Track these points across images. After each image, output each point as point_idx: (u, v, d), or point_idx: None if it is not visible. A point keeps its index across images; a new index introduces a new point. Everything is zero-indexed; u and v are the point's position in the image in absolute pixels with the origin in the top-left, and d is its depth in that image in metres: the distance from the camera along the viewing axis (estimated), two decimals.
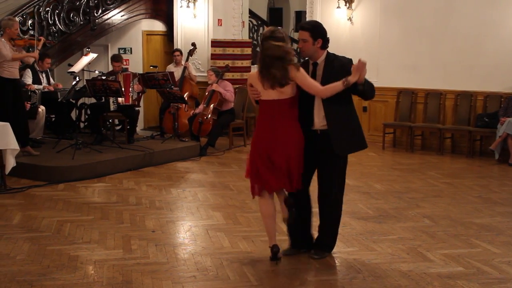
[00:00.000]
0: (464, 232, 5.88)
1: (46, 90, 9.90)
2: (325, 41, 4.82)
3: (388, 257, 5.13)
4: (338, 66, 4.76)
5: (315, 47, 4.79)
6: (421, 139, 10.96)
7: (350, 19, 11.55)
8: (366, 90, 4.69)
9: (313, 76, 4.80)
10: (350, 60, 4.80)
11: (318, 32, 4.79)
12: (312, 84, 4.67)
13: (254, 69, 13.28)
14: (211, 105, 10.30)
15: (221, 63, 11.83)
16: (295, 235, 5.14)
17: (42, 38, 8.84)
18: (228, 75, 11.06)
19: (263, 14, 16.21)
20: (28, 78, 9.77)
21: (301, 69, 4.67)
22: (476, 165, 9.55)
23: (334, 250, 5.24)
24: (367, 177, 8.44)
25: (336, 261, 5.03)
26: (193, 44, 11.73)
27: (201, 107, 10.42)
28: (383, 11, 11.26)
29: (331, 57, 4.85)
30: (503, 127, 9.49)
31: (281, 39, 4.67)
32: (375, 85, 4.91)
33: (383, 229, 5.96)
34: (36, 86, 9.81)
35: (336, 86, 4.60)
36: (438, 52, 10.76)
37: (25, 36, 9.54)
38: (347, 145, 4.87)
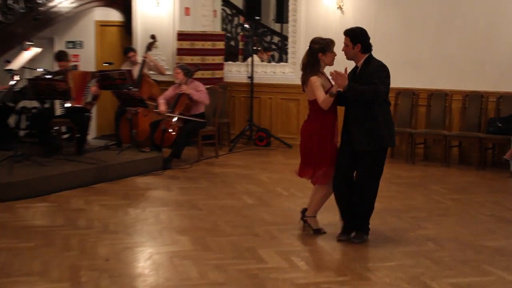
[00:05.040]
0: (474, 257, 5.90)
1: None
2: (365, 46, 6.12)
3: None
4: (367, 73, 6.07)
5: (355, 51, 6.13)
6: (423, 148, 11.03)
7: (340, 7, 11.60)
8: (354, 97, 6.04)
9: (353, 79, 6.11)
10: (378, 66, 6.10)
11: (357, 37, 6.13)
12: (318, 96, 6.17)
13: (228, 66, 13.35)
14: (177, 111, 10.25)
15: (189, 59, 11.80)
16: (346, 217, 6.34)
17: None
18: (197, 74, 11.03)
19: (239, 2, 16.21)
20: None
21: (317, 80, 6.17)
22: (488, 178, 9.62)
23: (322, 280, 5.27)
24: None
25: None
26: (153, 37, 11.69)
27: (162, 105, 10.29)
28: None
29: (367, 61, 6.14)
30: None
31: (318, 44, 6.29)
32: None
33: (379, 254, 5.96)
34: None
35: (327, 97, 6.11)
36: (443, 46, 10.84)
37: None
38: (362, 142, 6.14)
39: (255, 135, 12.32)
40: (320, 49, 6.24)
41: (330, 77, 6.09)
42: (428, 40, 10.97)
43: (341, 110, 6.30)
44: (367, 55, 6.17)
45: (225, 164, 10.42)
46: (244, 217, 7.21)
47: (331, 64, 6.31)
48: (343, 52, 6.22)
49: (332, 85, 6.18)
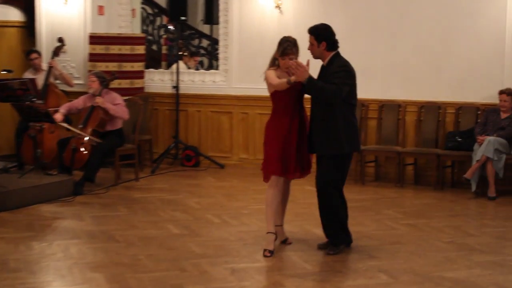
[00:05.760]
0: None
1: None
2: (330, 44, 6.76)
3: None
4: (329, 73, 6.62)
5: (320, 50, 6.76)
6: (374, 166, 11.19)
7: (278, 6, 11.70)
8: (313, 92, 6.67)
9: (319, 79, 6.70)
10: (339, 66, 6.67)
11: (321, 35, 6.77)
12: (271, 83, 6.71)
13: (149, 73, 13.25)
14: (90, 127, 10.16)
15: (103, 66, 11.72)
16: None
17: None
18: (114, 83, 10.95)
19: (161, 0, 16.22)
20: None
21: (270, 72, 6.76)
22: (447, 200, 9.79)
23: None
24: (303, 219, 8.47)
25: None
26: (60, 40, 11.59)
27: (59, 114, 10.14)
28: None
29: (331, 61, 6.74)
30: (481, 148, 9.72)
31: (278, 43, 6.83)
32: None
33: None
34: None
35: (283, 82, 6.56)
36: (395, 50, 11.06)
37: None
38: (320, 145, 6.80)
39: (182, 153, 12.29)
40: (277, 49, 6.81)
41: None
42: (378, 44, 11.16)
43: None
44: (333, 53, 6.80)
45: (146, 188, 10.37)
46: (169, 249, 7.17)
47: (284, 69, 6.73)
48: (309, 51, 6.82)
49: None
